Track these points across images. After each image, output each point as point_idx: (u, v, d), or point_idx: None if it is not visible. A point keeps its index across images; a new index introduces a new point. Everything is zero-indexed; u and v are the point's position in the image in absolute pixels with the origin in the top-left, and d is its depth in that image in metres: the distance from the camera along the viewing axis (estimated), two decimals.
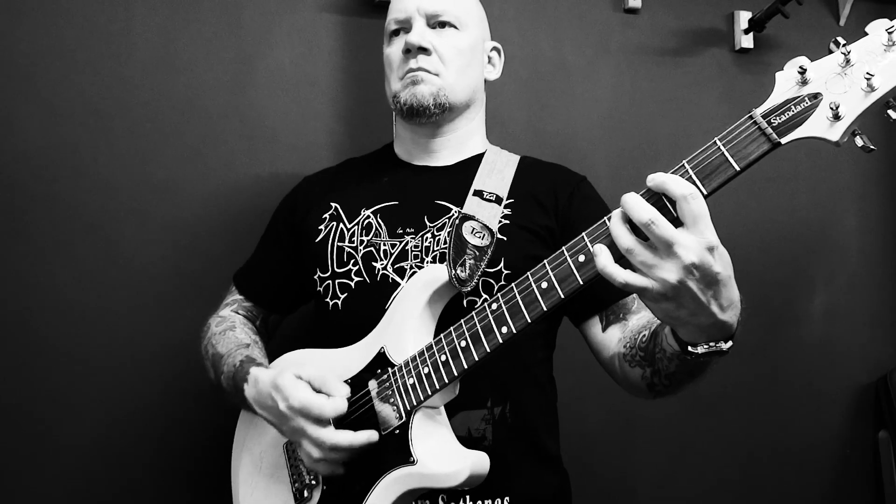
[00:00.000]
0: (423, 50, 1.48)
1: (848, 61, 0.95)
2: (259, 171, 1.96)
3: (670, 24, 2.38)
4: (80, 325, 1.81)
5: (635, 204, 0.98)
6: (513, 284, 1.17)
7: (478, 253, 1.36)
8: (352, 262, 1.45)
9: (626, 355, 1.33)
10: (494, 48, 1.65)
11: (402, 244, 1.44)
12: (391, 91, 1.54)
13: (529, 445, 1.42)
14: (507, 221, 1.44)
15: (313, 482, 1.36)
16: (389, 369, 1.30)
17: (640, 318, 1.39)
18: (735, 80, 2.42)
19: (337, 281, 1.46)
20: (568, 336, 1.56)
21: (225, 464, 1.56)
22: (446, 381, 1.23)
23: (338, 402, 1.25)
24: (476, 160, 1.56)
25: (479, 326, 1.20)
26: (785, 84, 1.00)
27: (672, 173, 1.01)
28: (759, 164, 1.01)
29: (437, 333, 1.30)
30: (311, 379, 1.28)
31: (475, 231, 1.39)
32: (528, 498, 1.39)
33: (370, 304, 1.40)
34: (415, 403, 1.26)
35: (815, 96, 0.98)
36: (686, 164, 1.02)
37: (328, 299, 1.47)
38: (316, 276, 1.49)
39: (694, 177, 1.01)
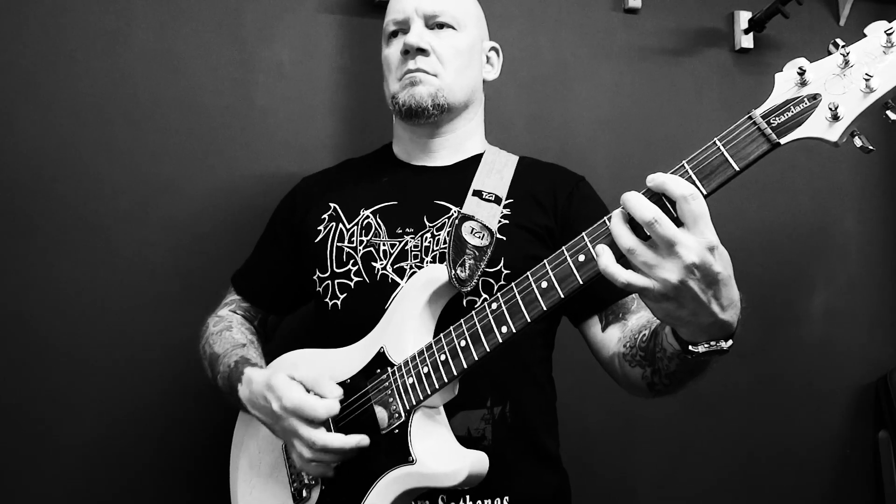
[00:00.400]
0: (422, 51, 1.48)
1: (847, 62, 0.96)
2: (259, 171, 1.96)
3: (670, 25, 2.38)
4: (80, 325, 1.81)
5: (638, 203, 0.98)
6: (512, 284, 1.17)
7: (477, 253, 1.36)
8: (351, 262, 1.46)
9: (626, 355, 1.34)
10: (493, 48, 1.65)
11: (402, 244, 1.44)
12: (390, 92, 1.54)
13: (529, 445, 1.42)
14: (507, 221, 1.45)
15: (312, 482, 1.37)
16: (389, 369, 1.30)
17: (640, 318, 1.39)
18: (735, 80, 2.42)
19: (336, 281, 1.46)
20: (567, 336, 1.56)
21: (224, 463, 1.56)
22: (446, 380, 1.23)
23: (330, 404, 1.26)
24: (475, 160, 1.56)
25: (478, 326, 1.20)
26: (784, 85, 1.01)
27: (672, 173, 1.01)
28: (759, 164, 1.01)
29: (436, 333, 1.30)
30: (304, 380, 1.29)
31: (475, 231, 1.39)
32: (528, 497, 1.39)
33: (370, 304, 1.40)
34: (414, 403, 1.26)
35: (815, 97, 0.98)
36: (686, 165, 1.02)
37: (327, 299, 1.47)
38: (315, 277, 1.50)
39: (693, 177, 1.01)
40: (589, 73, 2.29)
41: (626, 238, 1.00)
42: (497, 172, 1.52)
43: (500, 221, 1.44)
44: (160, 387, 1.85)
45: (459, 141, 1.58)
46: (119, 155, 1.87)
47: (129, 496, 1.81)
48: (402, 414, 1.27)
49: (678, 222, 0.97)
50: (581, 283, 1.09)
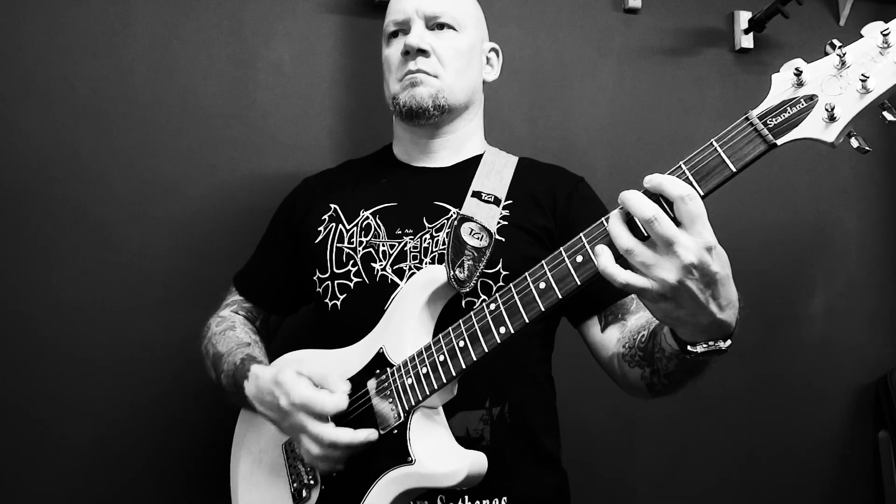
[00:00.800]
0: (422, 52, 1.48)
1: (843, 63, 0.96)
2: (259, 171, 1.97)
3: (670, 24, 2.38)
4: (80, 325, 1.81)
5: (637, 201, 0.98)
6: (511, 285, 1.17)
7: (476, 254, 1.36)
8: (351, 262, 1.46)
9: (626, 355, 1.34)
10: (493, 49, 1.65)
11: (401, 245, 1.44)
12: (390, 92, 1.55)
13: (528, 445, 1.42)
14: (506, 222, 1.45)
15: (312, 481, 1.37)
16: (388, 369, 1.31)
17: (639, 318, 1.40)
18: (735, 80, 2.42)
19: (336, 282, 1.46)
20: (567, 336, 1.56)
21: (224, 463, 1.56)
22: (444, 381, 1.23)
23: (339, 399, 1.26)
24: (475, 161, 1.56)
25: (477, 327, 1.21)
26: (781, 86, 1.01)
27: (668, 174, 1.01)
28: (759, 164, 1.01)
29: (435, 334, 1.30)
30: (312, 375, 1.29)
31: (474, 232, 1.39)
32: (527, 498, 1.39)
33: (369, 305, 1.41)
34: (413, 403, 1.26)
35: (811, 98, 0.98)
36: (682, 166, 1.02)
37: (327, 300, 1.47)
38: (315, 277, 1.50)
39: (690, 178, 1.01)
40: (589, 73, 2.29)
41: (624, 238, 1.00)
42: (496, 173, 1.52)
43: (499, 222, 1.44)
44: (160, 387, 1.85)
45: (459, 142, 1.58)
46: (119, 155, 1.87)
47: (129, 496, 1.81)
48: (402, 414, 1.27)
49: (676, 223, 0.97)
50: (579, 283, 1.10)
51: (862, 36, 0.97)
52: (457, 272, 1.33)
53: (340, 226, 1.51)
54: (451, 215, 1.45)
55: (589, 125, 2.27)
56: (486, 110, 1.68)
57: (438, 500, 1.34)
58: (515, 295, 1.16)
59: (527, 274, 1.15)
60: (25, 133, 1.81)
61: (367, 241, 1.47)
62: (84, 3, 1.88)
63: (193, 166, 1.92)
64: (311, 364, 1.32)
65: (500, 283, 1.39)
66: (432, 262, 1.40)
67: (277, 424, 1.33)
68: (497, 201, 1.46)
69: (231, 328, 1.57)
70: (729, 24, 2.43)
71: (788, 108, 0.99)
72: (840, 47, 0.96)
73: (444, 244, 1.41)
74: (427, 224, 1.45)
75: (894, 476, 2.41)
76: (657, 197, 1.00)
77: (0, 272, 1.77)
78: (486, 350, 1.19)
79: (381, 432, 1.29)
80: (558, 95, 2.25)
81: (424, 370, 1.25)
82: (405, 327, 1.32)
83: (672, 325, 1.10)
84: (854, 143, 0.97)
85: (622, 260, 1.01)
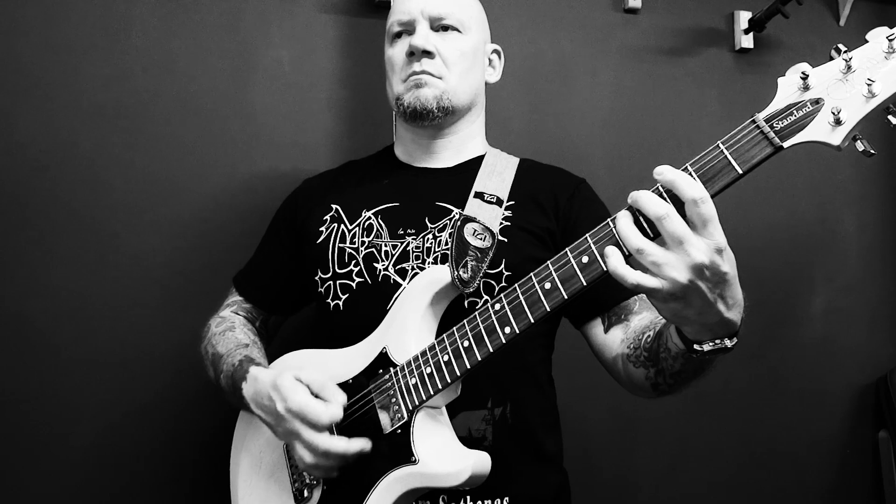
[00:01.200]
0: (427, 53, 1.48)
1: (849, 67, 0.97)
2: (259, 170, 1.97)
3: (670, 24, 2.38)
4: (80, 325, 1.81)
5: (650, 199, 0.99)
6: (516, 285, 1.18)
7: (479, 254, 1.37)
8: (353, 262, 1.46)
9: (630, 356, 1.34)
10: (495, 50, 1.66)
11: (404, 245, 1.44)
12: (394, 93, 1.54)
13: (529, 446, 1.42)
14: (508, 223, 1.45)
15: (313, 482, 1.37)
16: (391, 369, 1.31)
17: (643, 319, 1.40)
18: (735, 80, 2.43)
19: (338, 282, 1.46)
20: (568, 336, 1.56)
21: (224, 463, 1.56)
22: (448, 381, 1.23)
23: (333, 409, 1.26)
24: (476, 162, 1.56)
25: (481, 326, 1.21)
26: (787, 89, 1.02)
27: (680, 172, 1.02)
28: (761, 165, 1.01)
29: (438, 334, 1.30)
30: (311, 383, 1.29)
31: (476, 233, 1.39)
32: (529, 498, 1.40)
33: (372, 305, 1.41)
34: (417, 403, 1.26)
35: (817, 101, 0.99)
36: (689, 167, 1.03)
37: (329, 300, 1.47)
38: (317, 277, 1.50)
39: (697, 179, 1.02)
40: (589, 73, 2.29)
41: (634, 238, 1.00)
42: (498, 174, 1.52)
43: (501, 223, 1.44)
44: (161, 387, 1.85)
45: (461, 143, 1.59)
46: (119, 155, 1.87)
47: (129, 496, 1.81)
48: (405, 414, 1.27)
49: (686, 222, 0.98)
50: (584, 284, 1.10)
51: (867, 41, 0.98)
52: (460, 272, 1.33)
53: (342, 226, 1.51)
54: (454, 216, 1.46)
55: (589, 125, 2.27)
56: (487, 110, 1.68)
57: (440, 501, 1.34)
58: (521, 295, 1.17)
59: (532, 274, 1.16)
60: (25, 133, 1.81)
61: (369, 242, 1.47)
62: (84, 3, 1.87)
63: (193, 166, 1.92)
64: (312, 368, 1.32)
65: (503, 284, 1.39)
66: (435, 263, 1.40)
67: (272, 428, 1.34)
68: (499, 202, 1.47)
69: (231, 329, 1.57)
70: (729, 24, 2.44)
71: (794, 112, 1.00)
72: (846, 52, 0.97)
73: (446, 245, 1.41)
74: (429, 224, 1.45)
75: (894, 476, 2.42)
76: (665, 193, 1.00)
77: (1, 272, 1.77)
78: (491, 350, 1.19)
79: (385, 432, 1.29)
80: (558, 95, 2.25)
81: (429, 370, 1.25)
82: (408, 327, 1.32)
83: (679, 323, 1.10)
84: (859, 146, 0.97)
85: (629, 260, 1.02)
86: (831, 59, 0.99)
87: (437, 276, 1.33)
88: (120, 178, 1.86)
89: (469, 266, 1.35)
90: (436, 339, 1.28)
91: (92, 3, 1.88)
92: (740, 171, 1.01)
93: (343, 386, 1.32)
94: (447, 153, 1.58)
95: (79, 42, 1.86)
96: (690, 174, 1.02)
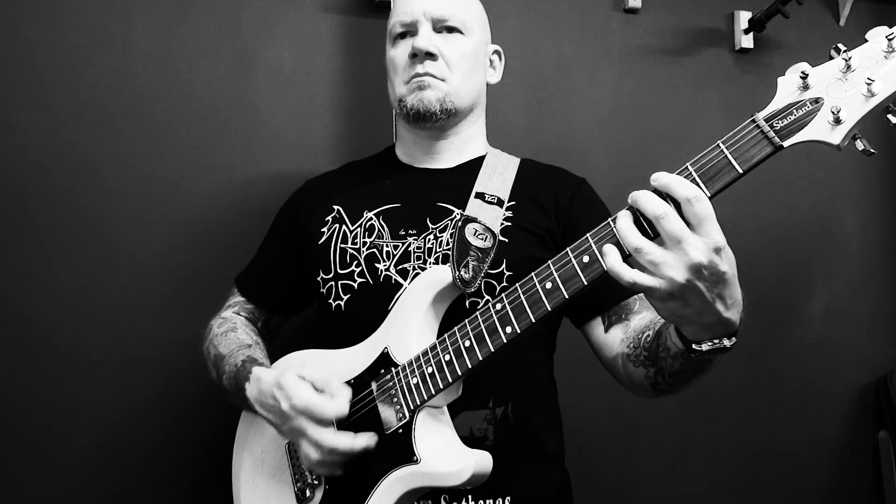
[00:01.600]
0: (430, 55, 1.48)
1: (849, 67, 0.97)
2: (259, 170, 1.97)
3: (670, 24, 2.38)
4: (81, 326, 1.81)
5: (649, 198, 0.99)
6: (517, 285, 1.18)
7: (480, 254, 1.37)
8: (354, 263, 1.46)
9: (630, 355, 1.34)
10: (495, 51, 1.66)
11: (405, 245, 1.44)
12: (396, 94, 1.54)
13: (531, 445, 1.43)
14: (509, 223, 1.45)
15: (315, 481, 1.37)
16: (393, 369, 1.31)
17: (643, 319, 1.40)
18: (735, 80, 2.43)
19: (340, 282, 1.46)
20: (570, 336, 1.56)
21: (226, 463, 1.56)
22: (450, 380, 1.24)
23: (339, 404, 1.26)
24: (477, 163, 1.57)
25: (483, 326, 1.21)
26: (787, 88, 1.02)
27: (675, 175, 1.02)
28: (761, 165, 1.02)
29: (439, 334, 1.31)
30: (314, 380, 1.29)
31: (478, 233, 1.40)
32: (530, 497, 1.40)
33: (373, 305, 1.41)
34: (418, 403, 1.26)
35: (817, 101, 0.99)
36: (689, 167, 1.03)
37: (331, 300, 1.47)
38: (319, 278, 1.50)
39: (697, 179, 1.02)
40: (589, 73, 2.29)
41: (633, 237, 1.01)
42: (499, 175, 1.53)
43: (502, 223, 1.44)
44: (162, 387, 1.85)
45: (463, 143, 1.59)
46: (119, 155, 1.87)
47: (130, 496, 1.81)
48: (407, 414, 1.27)
49: (685, 222, 0.98)
50: (585, 283, 1.10)
51: (867, 40, 0.98)
52: (462, 272, 1.33)
53: (344, 227, 1.51)
54: (455, 216, 1.46)
55: (589, 125, 2.27)
56: (487, 110, 1.68)
57: (442, 500, 1.35)
58: (522, 295, 1.17)
59: (533, 274, 1.16)
60: (26, 133, 1.81)
61: (370, 242, 1.47)
62: (84, 3, 1.88)
63: (193, 166, 1.92)
64: (314, 367, 1.33)
65: (504, 284, 1.39)
66: (437, 263, 1.41)
67: (278, 428, 1.34)
68: (500, 202, 1.47)
69: (233, 329, 1.57)
70: (729, 24, 2.44)
71: (794, 111, 1.00)
72: (845, 51, 0.97)
73: (447, 245, 1.42)
74: (431, 225, 1.46)
75: (894, 476, 2.42)
76: (666, 196, 1.00)
77: (1, 272, 1.77)
78: (492, 350, 1.20)
79: (386, 432, 1.29)
80: (558, 95, 2.26)
81: (430, 370, 1.25)
82: (410, 327, 1.32)
83: (678, 323, 1.10)
84: (859, 145, 0.98)
85: (629, 261, 1.02)
86: (831, 58, 0.99)
87: (439, 276, 1.33)
88: (120, 178, 1.86)
89: (470, 266, 1.35)
90: (437, 338, 1.29)
91: (92, 3, 1.88)
92: (740, 171, 1.01)
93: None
94: (448, 154, 1.58)
95: (79, 42, 1.87)
96: (691, 173, 1.03)
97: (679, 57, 2.38)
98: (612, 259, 1.02)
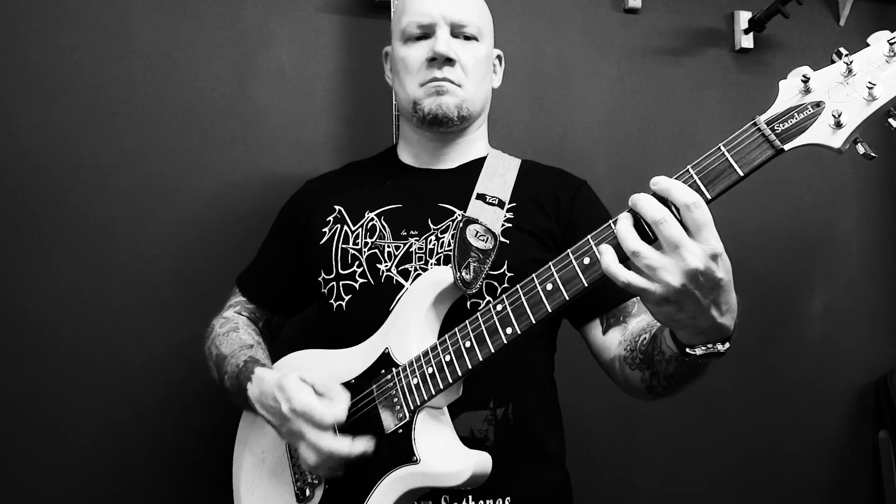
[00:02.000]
0: (449, 61, 1.48)
1: (850, 71, 0.97)
2: (259, 171, 1.97)
3: (670, 24, 2.38)
4: (82, 326, 1.81)
5: (648, 202, 0.99)
6: (518, 286, 1.18)
7: (481, 256, 1.37)
8: (356, 263, 1.46)
9: (627, 358, 1.35)
10: (498, 56, 1.66)
11: (406, 246, 1.45)
12: (409, 96, 1.52)
13: (531, 446, 1.43)
14: (510, 225, 1.45)
15: (315, 481, 1.37)
16: (394, 370, 1.31)
17: (640, 321, 1.40)
18: (735, 80, 2.43)
19: (341, 282, 1.46)
20: (570, 337, 1.57)
21: (225, 464, 1.56)
22: (450, 381, 1.24)
23: (338, 410, 1.26)
24: (478, 164, 1.57)
25: (483, 327, 1.21)
26: (788, 92, 1.02)
27: (676, 178, 1.03)
28: (762, 167, 1.02)
29: (440, 335, 1.31)
30: (315, 383, 1.29)
31: (479, 234, 1.40)
32: (530, 498, 1.40)
33: (374, 306, 1.41)
34: (419, 403, 1.27)
35: (818, 104, 0.99)
36: (691, 170, 1.04)
37: (332, 301, 1.47)
38: (320, 278, 1.50)
39: (698, 182, 1.02)
40: (589, 73, 2.29)
41: (631, 240, 1.01)
42: (500, 176, 1.53)
43: (503, 225, 1.44)
44: (163, 387, 1.85)
45: (466, 145, 1.59)
46: (120, 156, 1.87)
47: (131, 496, 1.82)
48: (407, 414, 1.28)
49: (684, 228, 0.98)
50: (586, 285, 1.11)
51: (868, 44, 0.98)
52: (463, 273, 1.34)
53: (345, 227, 1.51)
54: (456, 217, 1.46)
55: (589, 125, 2.27)
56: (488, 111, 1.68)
57: (442, 500, 1.35)
58: (522, 296, 1.17)
59: (534, 275, 1.16)
60: (26, 133, 1.81)
61: (372, 243, 1.47)
62: (84, 3, 1.87)
63: (194, 167, 1.93)
64: (317, 370, 1.33)
65: (505, 285, 1.39)
66: (438, 264, 1.41)
67: (277, 429, 1.34)
68: (501, 204, 1.47)
69: (234, 329, 1.57)
70: (729, 24, 2.44)
71: (795, 114, 1.00)
72: (847, 55, 0.97)
73: (448, 246, 1.42)
74: (432, 226, 1.46)
75: (894, 476, 2.42)
76: (666, 201, 1.01)
77: (2, 272, 1.77)
78: (493, 350, 1.20)
79: (386, 432, 1.29)
80: (558, 95, 2.26)
81: (430, 370, 1.26)
82: (411, 328, 1.32)
83: (672, 327, 1.11)
84: (860, 149, 0.98)
85: (627, 263, 1.02)
86: (832, 62, 1.00)
87: (440, 277, 1.33)
88: (120, 179, 1.86)
89: (471, 267, 1.35)
90: (438, 339, 1.29)
91: (92, 3, 1.88)
92: (741, 174, 1.02)
93: (345, 386, 1.32)
94: (452, 156, 1.58)
95: (79, 42, 1.87)
96: (692, 176, 1.03)
97: (679, 57, 2.38)
98: (607, 259, 1.02)
